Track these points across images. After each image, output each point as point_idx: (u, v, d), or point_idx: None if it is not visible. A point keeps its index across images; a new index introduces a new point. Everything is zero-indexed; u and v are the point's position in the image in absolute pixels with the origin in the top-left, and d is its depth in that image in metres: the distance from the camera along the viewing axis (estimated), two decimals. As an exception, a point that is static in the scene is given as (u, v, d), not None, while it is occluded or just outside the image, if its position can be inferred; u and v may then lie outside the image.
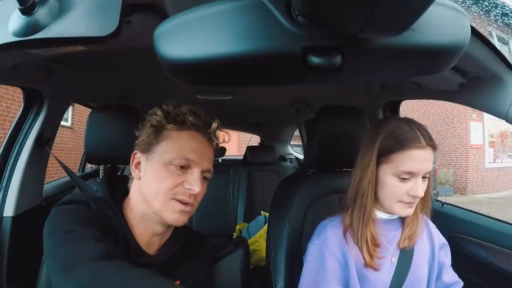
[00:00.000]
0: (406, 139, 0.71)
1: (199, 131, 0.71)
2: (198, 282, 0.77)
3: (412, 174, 0.71)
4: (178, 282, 0.72)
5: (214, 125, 0.71)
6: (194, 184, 0.67)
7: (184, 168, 0.68)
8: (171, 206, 0.67)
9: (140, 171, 0.71)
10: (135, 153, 0.73)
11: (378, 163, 0.75)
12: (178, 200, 0.67)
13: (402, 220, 0.82)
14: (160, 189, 0.67)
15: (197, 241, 0.83)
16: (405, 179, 0.72)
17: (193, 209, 0.70)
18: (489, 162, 8.88)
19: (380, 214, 0.80)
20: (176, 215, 0.68)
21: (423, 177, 0.73)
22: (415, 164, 0.71)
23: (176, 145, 0.68)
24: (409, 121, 0.76)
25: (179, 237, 0.77)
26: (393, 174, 0.73)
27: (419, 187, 0.72)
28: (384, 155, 0.74)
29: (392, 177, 0.73)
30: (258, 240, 1.81)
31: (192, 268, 0.77)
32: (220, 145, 0.75)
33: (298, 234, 0.95)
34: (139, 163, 0.72)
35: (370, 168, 0.75)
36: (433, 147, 0.73)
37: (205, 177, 0.72)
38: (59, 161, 1.24)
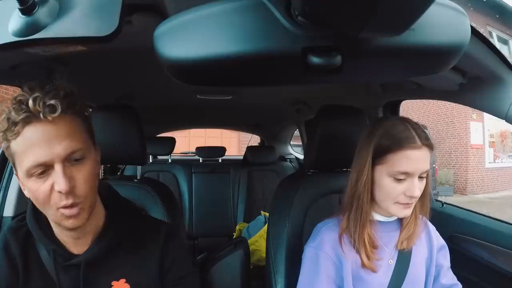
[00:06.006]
0: (401, 139, 0.70)
1: (31, 121, 0.55)
2: (155, 274, 0.70)
3: (407, 174, 0.71)
4: (123, 280, 0.67)
5: (31, 103, 0.54)
6: (59, 183, 0.56)
7: (45, 170, 0.57)
8: (61, 215, 0.59)
9: None
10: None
11: (374, 164, 0.74)
12: (62, 207, 0.58)
13: (400, 221, 0.81)
14: (39, 204, 0.58)
15: (146, 229, 0.73)
16: (400, 179, 0.71)
17: (84, 203, 0.60)
18: (489, 162, 8.86)
19: (377, 216, 0.79)
20: (70, 221, 0.59)
21: (420, 177, 0.72)
22: (410, 164, 0.70)
23: (22, 153, 0.56)
24: (404, 121, 0.75)
25: (113, 229, 0.68)
26: (388, 175, 0.72)
27: (416, 188, 0.71)
28: (379, 156, 0.73)
29: (388, 178, 0.72)
30: (258, 240, 1.81)
31: (141, 261, 0.70)
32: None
33: (298, 234, 0.95)
34: None
35: (365, 169, 0.74)
36: (429, 146, 0.72)
37: (76, 159, 0.59)
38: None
